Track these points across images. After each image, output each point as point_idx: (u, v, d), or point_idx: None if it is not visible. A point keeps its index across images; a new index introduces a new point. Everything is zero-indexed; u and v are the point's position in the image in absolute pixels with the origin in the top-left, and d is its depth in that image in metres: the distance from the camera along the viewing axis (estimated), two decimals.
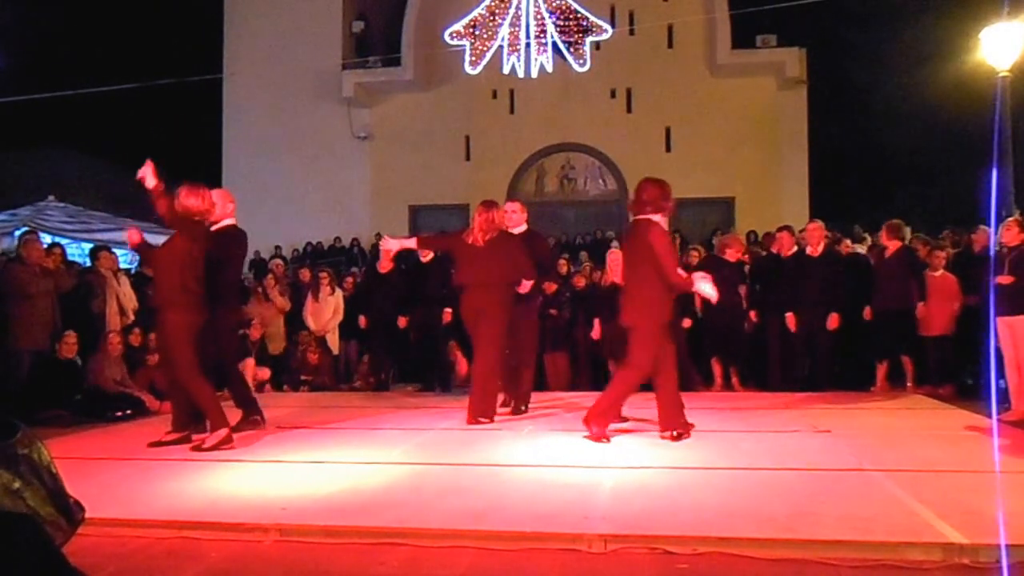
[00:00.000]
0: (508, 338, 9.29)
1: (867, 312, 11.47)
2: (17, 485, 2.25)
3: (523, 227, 9.87)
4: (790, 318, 11.59)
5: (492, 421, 8.91)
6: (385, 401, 11.35)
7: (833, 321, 11.43)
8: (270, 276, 14.62)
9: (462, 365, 13.23)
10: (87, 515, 2.55)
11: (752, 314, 12.02)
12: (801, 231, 12.96)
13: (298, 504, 5.46)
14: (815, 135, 26.85)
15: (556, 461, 6.81)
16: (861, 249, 14.70)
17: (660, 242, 7.54)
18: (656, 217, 7.74)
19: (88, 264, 13.03)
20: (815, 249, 11.71)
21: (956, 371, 11.29)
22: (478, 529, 4.86)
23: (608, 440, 7.55)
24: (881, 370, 11.58)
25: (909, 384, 11.41)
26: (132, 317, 12.19)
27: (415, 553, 4.66)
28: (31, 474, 2.30)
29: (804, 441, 7.58)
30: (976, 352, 10.26)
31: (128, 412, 10.27)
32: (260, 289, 14.31)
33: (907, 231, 13.18)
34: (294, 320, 14.06)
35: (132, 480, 6.38)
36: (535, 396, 10.14)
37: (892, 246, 11.63)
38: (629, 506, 5.29)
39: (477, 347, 9.18)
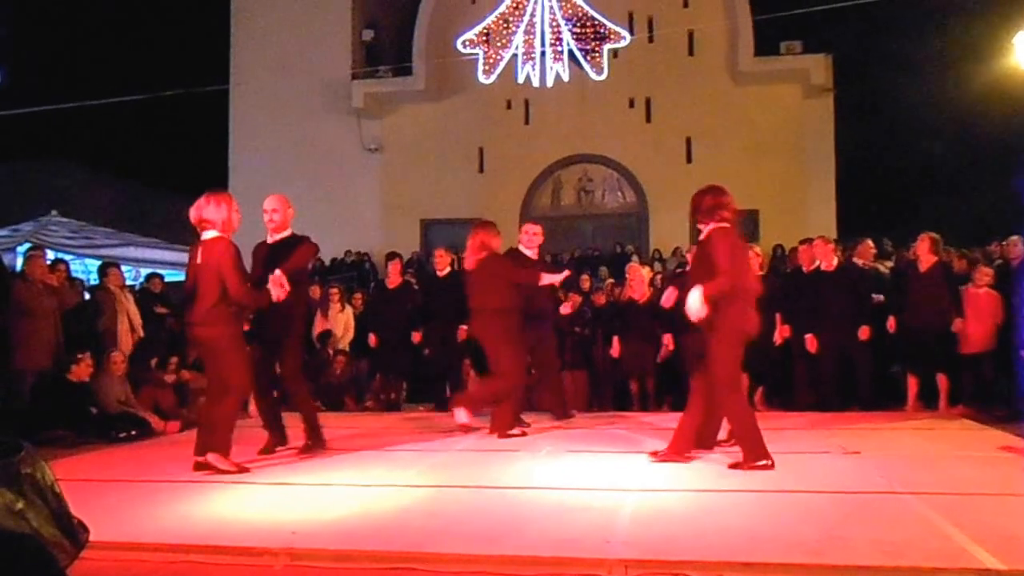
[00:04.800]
0: (526, 357, 9.50)
1: (891, 324, 11.13)
2: (20, 505, 2.21)
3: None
4: (810, 340, 11.18)
5: (523, 432, 9.17)
6: (397, 421, 11.17)
7: (864, 333, 11.01)
8: None
9: (475, 385, 12.72)
10: (91, 538, 2.50)
11: (782, 331, 11.48)
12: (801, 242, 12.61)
13: (308, 528, 5.39)
14: (842, 145, 26.14)
15: (575, 483, 6.72)
16: (888, 264, 14.12)
17: (718, 249, 7.14)
18: (709, 227, 7.33)
19: (91, 280, 12.99)
20: (829, 264, 11.35)
21: (1004, 390, 10.70)
22: (495, 554, 4.77)
23: (773, 467, 7.02)
24: (913, 389, 11.12)
25: (942, 404, 10.89)
26: (141, 333, 12.24)
27: None
28: (34, 494, 2.27)
29: (833, 463, 7.44)
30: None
31: (132, 433, 10.19)
32: None
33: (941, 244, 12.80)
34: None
35: (138, 502, 6.31)
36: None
37: (929, 261, 11.14)
38: (651, 530, 5.19)
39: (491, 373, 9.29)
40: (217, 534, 5.32)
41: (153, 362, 12.11)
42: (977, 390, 10.87)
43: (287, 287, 7.53)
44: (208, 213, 7.36)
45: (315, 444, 8.25)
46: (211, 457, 7.20)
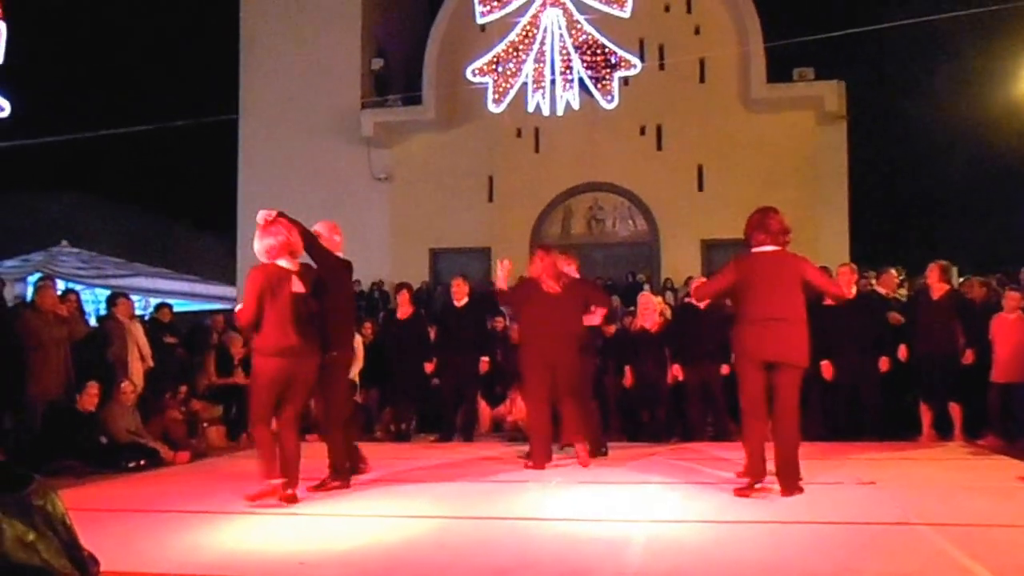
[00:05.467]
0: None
1: (902, 352, 11.13)
2: (31, 537, 2.19)
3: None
4: (826, 366, 11.06)
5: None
6: (407, 451, 11.21)
7: (884, 364, 11.03)
8: None
9: (485, 414, 13.11)
10: (101, 569, 2.50)
11: None
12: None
13: (316, 559, 5.38)
14: (856, 172, 25.89)
15: (586, 515, 6.70)
16: (903, 292, 14.11)
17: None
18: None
19: (100, 310, 12.98)
20: (848, 292, 11.07)
21: None
22: None
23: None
24: (927, 418, 11.11)
25: (956, 433, 10.90)
26: (151, 363, 12.22)
27: None
28: (45, 526, 2.24)
29: (847, 493, 7.44)
30: None
31: (142, 463, 10.24)
32: None
33: (953, 271, 12.75)
34: None
35: (146, 532, 6.34)
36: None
37: (940, 289, 11.17)
38: (662, 562, 5.17)
39: (565, 399, 9.16)
40: (225, 565, 5.32)
41: (165, 393, 12.08)
42: (1006, 419, 10.69)
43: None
44: (295, 238, 7.59)
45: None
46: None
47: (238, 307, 7.73)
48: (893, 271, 12.47)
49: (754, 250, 7.48)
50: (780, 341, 7.21)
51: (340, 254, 8.39)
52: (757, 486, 7.19)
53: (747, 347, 7.33)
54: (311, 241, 7.84)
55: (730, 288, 7.65)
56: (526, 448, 9.58)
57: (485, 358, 12.47)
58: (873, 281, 13.14)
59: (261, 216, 7.57)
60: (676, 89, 26.31)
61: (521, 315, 9.73)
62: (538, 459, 9.04)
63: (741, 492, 7.20)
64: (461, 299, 12.75)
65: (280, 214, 7.60)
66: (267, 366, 7.40)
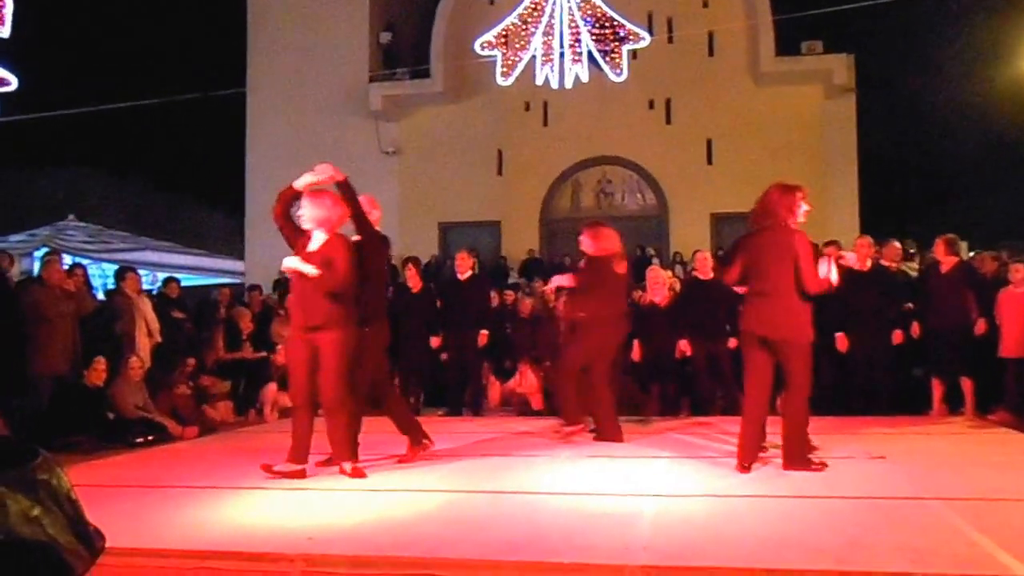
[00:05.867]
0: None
1: (915, 329, 11.10)
2: (36, 512, 2.18)
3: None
4: (841, 339, 11.02)
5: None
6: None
7: (897, 337, 10.99)
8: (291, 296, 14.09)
9: (495, 389, 13.06)
10: (107, 544, 2.49)
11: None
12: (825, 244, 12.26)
13: (325, 534, 5.37)
14: (864, 145, 25.81)
15: (595, 489, 6.68)
16: (913, 266, 14.05)
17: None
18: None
19: (107, 285, 12.98)
20: (863, 264, 11.16)
21: None
22: (514, 560, 4.76)
23: (825, 467, 7.16)
24: (938, 393, 11.02)
25: (967, 408, 10.82)
26: (159, 338, 12.22)
27: None
28: (50, 501, 2.24)
29: (858, 468, 7.39)
30: None
31: (150, 438, 10.28)
32: (283, 311, 13.84)
33: (962, 245, 12.66)
34: None
35: (153, 508, 6.32)
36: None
37: (949, 262, 11.07)
38: (672, 536, 5.17)
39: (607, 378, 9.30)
40: (233, 540, 5.31)
41: (174, 367, 12.08)
42: (1019, 395, 10.61)
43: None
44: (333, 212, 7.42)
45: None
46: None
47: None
48: (896, 242, 12.38)
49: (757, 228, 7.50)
50: (774, 316, 7.20)
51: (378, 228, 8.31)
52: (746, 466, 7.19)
53: (745, 322, 7.39)
54: (359, 213, 7.76)
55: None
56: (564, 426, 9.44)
57: (484, 332, 12.45)
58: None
59: (315, 177, 7.49)
60: (685, 62, 26.24)
61: (597, 294, 9.43)
62: (617, 433, 9.07)
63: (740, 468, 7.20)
64: (465, 272, 12.77)
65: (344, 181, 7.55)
66: (288, 342, 7.36)
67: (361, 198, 8.17)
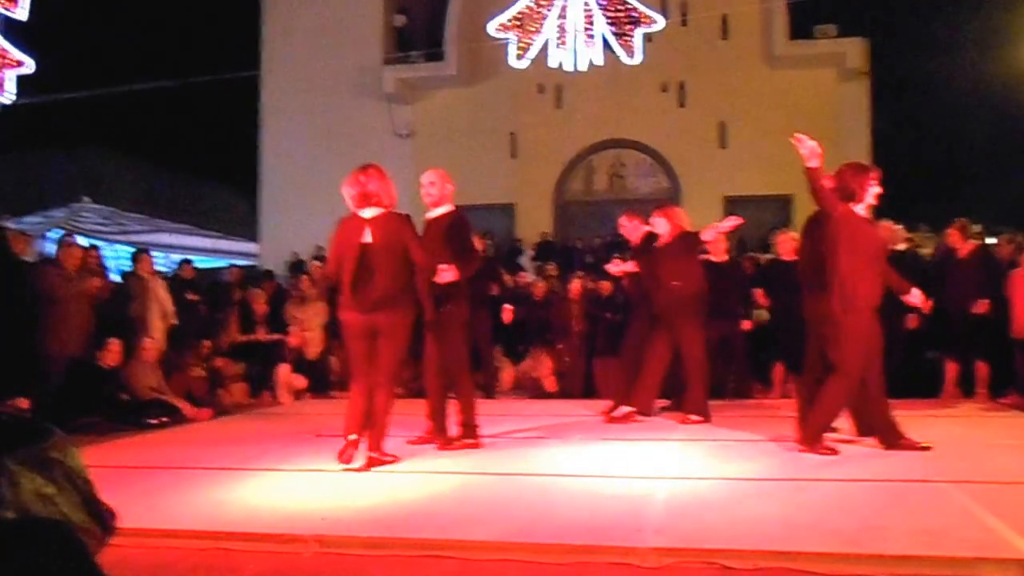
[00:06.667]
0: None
1: (926, 306, 10.77)
2: (50, 490, 2.13)
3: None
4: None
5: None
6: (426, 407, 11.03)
7: (912, 321, 10.87)
8: (306, 278, 14.13)
9: (508, 371, 13.08)
10: (122, 524, 2.39)
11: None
12: None
13: (338, 514, 5.42)
14: (878, 129, 25.60)
15: (607, 471, 6.71)
16: (926, 250, 14.00)
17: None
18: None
19: (122, 266, 13.03)
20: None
21: None
22: (526, 542, 4.77)
23: (836, 452, 7.19)
24: (951, 375, 11.06)
25: (980, 390, 10.86)
26: (173, 320, 12.21)
27: (461, 567, 4.58)
28: (64, 479, 2.18)
29: (870, 450, 7.37)
30: None
31: (164, 420, 10.28)
32: (296, 292, 14.07)
33: (973, 229, 12.65)
34: (332, 324, 13.48)
35: (167, 489, 6.36)
36: (586, 404, 10.34)
37: (965, 247, 11.11)
38: (684, 518, 5.18)
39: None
40: (247, 521, 5.34)
41: (189, 349, 12.13)
42: None
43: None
44: (374, 187, 7.17)
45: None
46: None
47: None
48: (890, 223, 12.30)
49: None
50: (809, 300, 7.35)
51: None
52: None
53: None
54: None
55: None
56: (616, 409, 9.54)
57: (509, 307, 12.61)
58: None
59: None
60: (698, 46, 26.09)
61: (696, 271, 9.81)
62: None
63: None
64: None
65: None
66: (343, 321, 7.20)
67: (432, 171, 8.30)
